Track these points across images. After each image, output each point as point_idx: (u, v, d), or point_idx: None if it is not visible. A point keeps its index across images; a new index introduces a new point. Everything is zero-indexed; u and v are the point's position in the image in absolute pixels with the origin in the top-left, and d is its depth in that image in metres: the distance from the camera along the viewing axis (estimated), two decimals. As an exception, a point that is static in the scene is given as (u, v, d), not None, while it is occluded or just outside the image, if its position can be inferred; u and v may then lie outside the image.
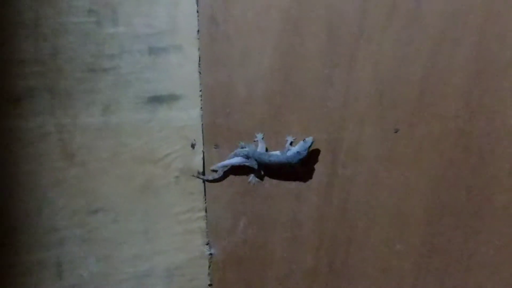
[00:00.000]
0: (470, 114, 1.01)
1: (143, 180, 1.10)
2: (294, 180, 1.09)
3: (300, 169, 1.07)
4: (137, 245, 1.12)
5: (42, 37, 1.05)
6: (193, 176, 1.11)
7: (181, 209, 1.12)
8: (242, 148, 1.09)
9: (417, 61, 1.02)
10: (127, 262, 1.12)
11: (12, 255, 1.08)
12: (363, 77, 1.04)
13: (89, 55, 1.07)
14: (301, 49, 1.06)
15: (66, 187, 1.09)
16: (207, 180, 1.11)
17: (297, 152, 1.04)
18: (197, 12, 1.07)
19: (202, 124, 1.11)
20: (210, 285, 1.14)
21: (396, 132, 1.04)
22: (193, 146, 1.11)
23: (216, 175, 1.11)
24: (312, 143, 1.04)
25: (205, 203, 1.13)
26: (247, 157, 1.08)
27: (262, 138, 1.09)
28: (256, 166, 1.08)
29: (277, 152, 1.08)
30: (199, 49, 1.09)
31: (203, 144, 1.11)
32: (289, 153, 1.05)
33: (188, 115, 1.10)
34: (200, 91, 1.10)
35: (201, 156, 1.12)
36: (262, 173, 1.10)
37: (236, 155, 1.09)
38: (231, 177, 1.12)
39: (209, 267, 1.14)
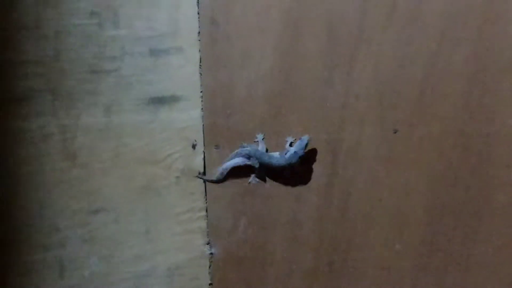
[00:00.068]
0: (470, 114, 1.01)
1: (144, 181, 1.11)
2: (294, 180, 1.10)
3: (300, 169, 1.08)
4: (138, 245, 1.12)
5: (44, 38, 1.06)
6: (197, 176, 1.12)
7: (181, 209, 1.12)
8: (243, 148, 1.09)
9: (417, 61, 1.03)
10: (128, 262, 1.12)
11: (14, 255, 1.09)
12: (363, 77, 1.05)
13: (90, 56, 1.08)
14: (301, 50, 1.06)
15: (68, 187, 1.09)
16: (210, 181, 1.12)
17: (295, 152, 1.04)
18: (198, 14, 1.08)
19: (203, 125, 1.11)
20: (210, 284, 1.14)
21: (395, 132, 1.05)
22: (194, 146, 1.11)
23: (219, 176, 1.11)
24: (308, 141, 1.04)
25: (206, 203, 1.13)
26: (248, 156, 1.08)
27: (263, 139, 1.10)
28: (257, 165, 1.08)
29: (276, 154, 1.08)
30: (199, 50, 1.09)
31: (204, 145, 1.12)
32: (288, 155, 1.06)
33: (189, 116, 1.11)
34: (201, 92, 1.10)
35: (202, 156, 1.12)
36: (264, 173, 1.10)
37: (237, 155, 1.10)
38: (232, 177, 1.12)
39: (209, 266, 1.14)
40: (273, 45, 1.07)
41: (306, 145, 1.04)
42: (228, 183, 1.12)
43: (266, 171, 1.10)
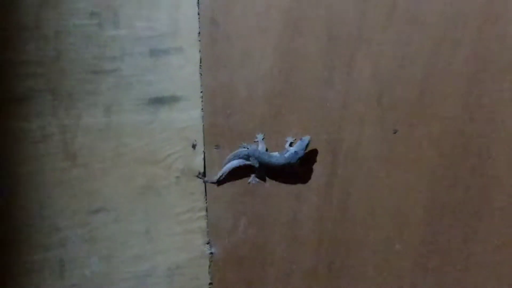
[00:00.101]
0: (470, 114, 1.01)
1: (144, 181, 1.11)
2: (294, 180, 1.10)
3: (300, 169, 1.08)
4: (138, 245, 1.12)
5: (44, 38, 1.06)
6: (196, 176, 1.12)
7: (181, 209, 1.12)
8: (242, 149, 1.09)
9: (417, 61, 1.03)
10: (128, 262, 1.13)
11: (14, 255, 1.09)
12: (362, 77, 1.05)
13: (91, 57, 1.08)
14: (301, 50, 1.06)
15: (68, 187, 1.09)
16: (211, 182, 1.12)
17: (295, 151, 1.04)
18: (198, 14, 1.08)
19: (203, 125, 1.11)
20: (210, 284, 1.14)
21: (395, 132, 1.05)
22: (194, 146, 1.12)
23: (218, 178, 1.11)
24: (309, 142, 1.05)
25: (206, 203, 1.13)
26: (248, 156, 1.09)
27: (263, 139, 1.10)
28: (257, 165, 1.08)
29: (276, 153, 1.08)
30: (200, 50, 1.09)
31: (204, 145, 1.12)
32: (287, 154, 1.06)
33: (189, 116, 1.11)
34: (201, 92, 1.10)
35: (202, 156, 1.12)
36: (264, 172, 1.11)
37: (236, 156, 1.10)
38: (232, 177, 1.12)
39: (209, 266, 1.14)
40: (273, 45, 1.07)
41: (307, 145, 1.05)
42: (228, 183, 1.12)
43: (266, 170, 1.10)
